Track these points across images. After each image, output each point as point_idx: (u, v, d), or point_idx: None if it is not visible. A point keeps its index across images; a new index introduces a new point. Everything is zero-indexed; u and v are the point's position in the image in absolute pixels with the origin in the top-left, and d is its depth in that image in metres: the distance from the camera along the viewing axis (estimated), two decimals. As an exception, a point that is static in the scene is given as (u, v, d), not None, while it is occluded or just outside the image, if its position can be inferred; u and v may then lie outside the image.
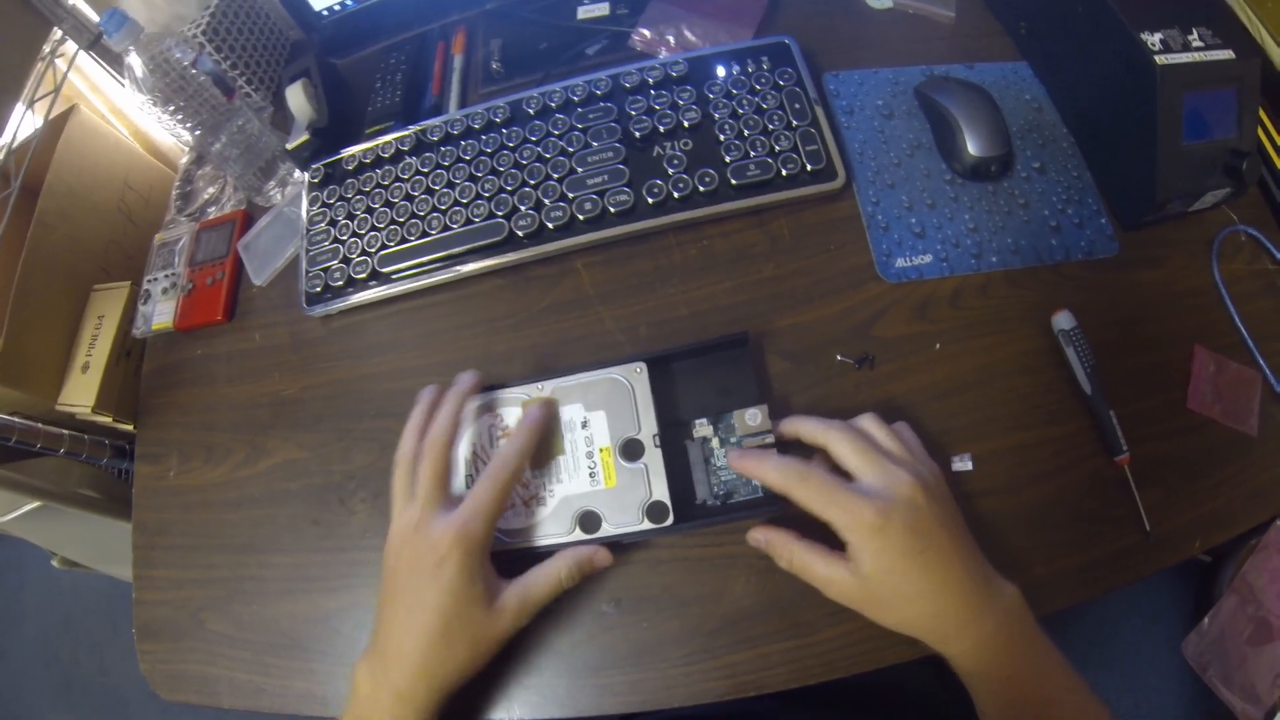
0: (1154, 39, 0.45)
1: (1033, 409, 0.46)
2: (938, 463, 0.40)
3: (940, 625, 0.35)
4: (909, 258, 0.49)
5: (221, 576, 0.50)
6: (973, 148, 0.51)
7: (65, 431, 0.65)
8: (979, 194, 0.52)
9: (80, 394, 0.66)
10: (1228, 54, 0.45)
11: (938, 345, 0.47)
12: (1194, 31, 0.45)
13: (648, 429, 0.41)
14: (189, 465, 0.54)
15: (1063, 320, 0.46)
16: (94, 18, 0.67)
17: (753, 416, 0.41)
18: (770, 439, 0.41)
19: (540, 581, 0.39)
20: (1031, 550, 0.42)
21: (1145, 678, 0.51)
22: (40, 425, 0.63)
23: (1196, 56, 0.45)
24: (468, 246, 0.51)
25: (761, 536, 0.40)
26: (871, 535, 0.35)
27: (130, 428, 0.65)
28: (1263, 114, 0.53)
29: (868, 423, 0.41)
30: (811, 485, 0.36)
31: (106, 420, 0.68)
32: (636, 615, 0.43)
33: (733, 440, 0.43)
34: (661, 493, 0.40)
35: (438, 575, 0.36)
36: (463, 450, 0.43)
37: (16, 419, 0.62)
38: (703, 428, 0.43)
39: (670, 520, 0.40)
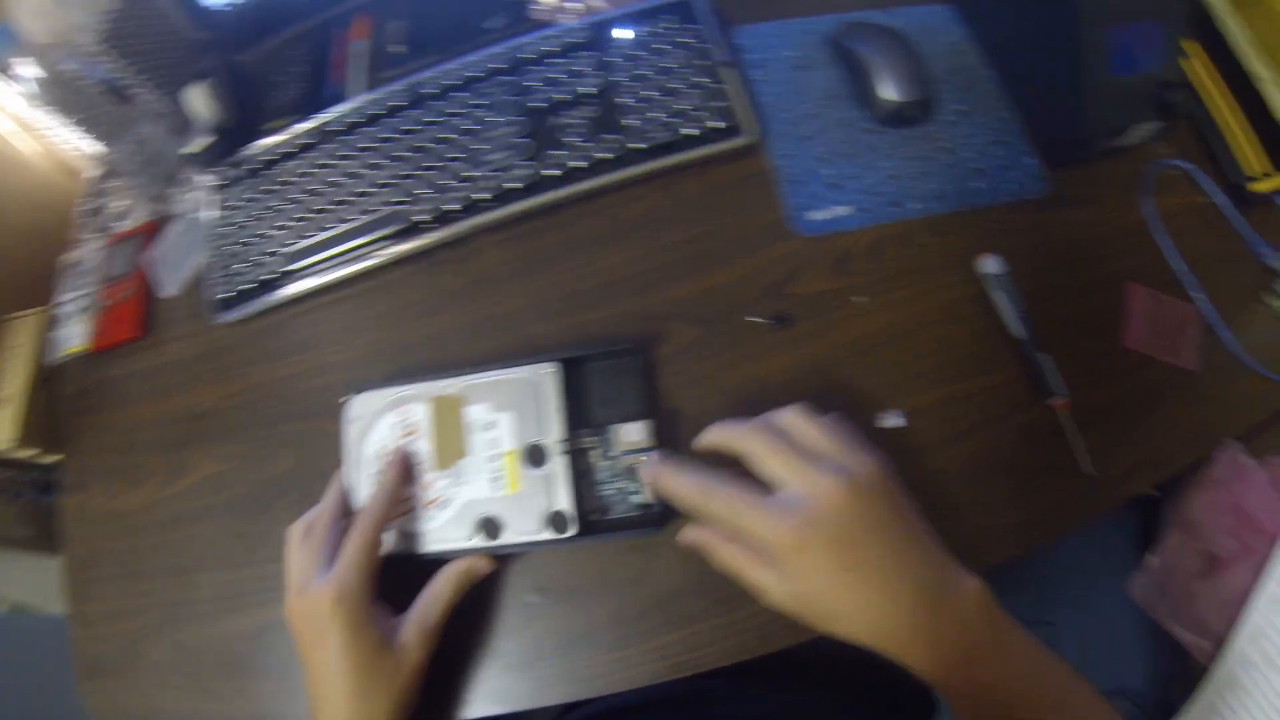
0: (1075, -31, 0.43)
1: (964, 359, 0.44)
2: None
3: (886, 637, 0.32)
4: (825, 209, 0.48)
5: (155, 603, 0.48)
6: (888, 92, 0.49)
7: (-27, 471, 0.62)
8: (899, 140, 0.50)
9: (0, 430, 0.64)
10: (1153, -16, 0.44)
11: (859, 299, 0.46)
12: (1118, -38, 0.44)
13: (554, 435, 0.39)
14: (112, 490, 0.52)
15: (989, 264, 0.45)
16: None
17: (633, 432, 0.40)
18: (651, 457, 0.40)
19: (431, 605, 0.39)
20: (973, 504, 0.41)
21: (1100, 611, 0.50)
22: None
23: (1120, -13, 0.43)
24: (370, 237, 0.49)
25: (693, 536, 0.37)
26: (791, 555, 0.32)
27: (61, 458, 0.63)
28: (1193, 45, 0.51)
29: (790, 417, 0.36)
30: (719, 502, 0.33)
31: (34, 454, 0.66)
32: (563, 604, 0.42)
33: (613, 454, 0.41)
34: (563, 502, 0.39)
35: (329, 638, 0.36)
36: (370, 448, 0.42)
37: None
38: (586, 439, 0.41)
39: (573, 531, 0.38)
